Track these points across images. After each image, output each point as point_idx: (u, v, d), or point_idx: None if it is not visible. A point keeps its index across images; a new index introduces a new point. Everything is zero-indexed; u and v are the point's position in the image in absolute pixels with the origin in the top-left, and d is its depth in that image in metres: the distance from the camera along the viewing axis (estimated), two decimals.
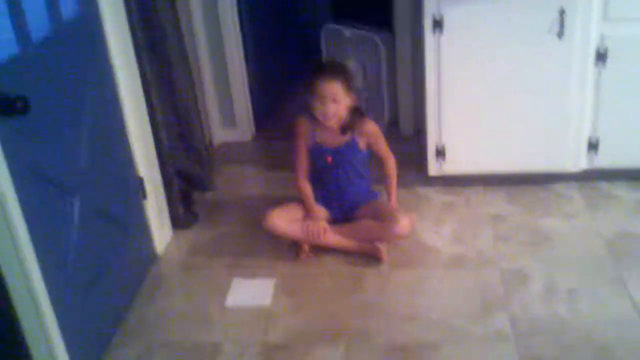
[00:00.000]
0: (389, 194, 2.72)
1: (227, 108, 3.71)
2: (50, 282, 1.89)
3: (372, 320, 2.27)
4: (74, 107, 2.14)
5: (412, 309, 2.30)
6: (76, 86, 2.16)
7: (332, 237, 2.62)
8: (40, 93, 1.91)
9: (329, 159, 2.65)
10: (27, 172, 1.83)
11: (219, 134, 3.76)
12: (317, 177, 2.72)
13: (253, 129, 3.81)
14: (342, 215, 2.70)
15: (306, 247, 2.65)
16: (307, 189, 2.69)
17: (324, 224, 2.61)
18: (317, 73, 2.55)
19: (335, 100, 2.51)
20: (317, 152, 2.68)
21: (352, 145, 2.63)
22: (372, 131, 2.65)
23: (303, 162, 2.70)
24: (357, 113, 2.63)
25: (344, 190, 2.70)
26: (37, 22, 1.97)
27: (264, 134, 3.83)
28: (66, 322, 1.97)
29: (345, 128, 2.61)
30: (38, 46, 1.97)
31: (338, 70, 2.61)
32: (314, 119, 2.62)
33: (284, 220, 2.62)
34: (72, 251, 2.07)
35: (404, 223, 2.53)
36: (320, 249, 2.64)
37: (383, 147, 2.70)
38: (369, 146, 2.67)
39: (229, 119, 3.75)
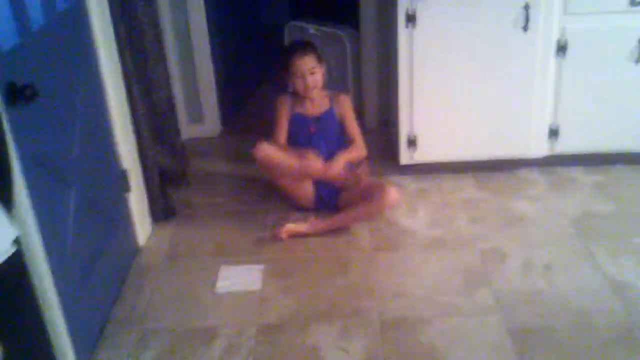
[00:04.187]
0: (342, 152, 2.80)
1: (195, 104, 3.74)
2: (53, 271, 1.90)
3: (362, 299, 2.36)
4: (68, 98, 2.15)
5: (399, 288, 2.41)
6: (69, 76, 2.17)
7: (321, 226, 2.72)
8: (40, 82, 1.91)
9: (312, 128, 2.82)
10: (31, 161, 1.84)
11: (186, 129, 3.77)
12: None
13: (220, 125, 3.84)
14: (328, 199, 2.83)
15: (284, 234, 2.71)
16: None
17: (320, 164, 2.71)
18: (290, 53, 2.81)
19: (313, 72, 2.76)
20: (299, 122, 2.84)
21: (331, 114, 2.84)
22: (344, 101, 2.88)
23: (282, 134, 2.86)
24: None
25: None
26: (34, 12, 1.97)
27: (230, 129, 3.87)
28: (67, 309, 1.98)
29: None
30: (36, 36, 1.97)
31: (307, 45, 2.88)
32: (294, 97, 2.84)
33: (275, 149, 2.75)
34: (70, 240, 2.08)
35: (392, 192, 2.67)
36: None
37: (353, 124, 2.88)
38: (341, 120, 2.85)
39: (197, 115, 3.77)
